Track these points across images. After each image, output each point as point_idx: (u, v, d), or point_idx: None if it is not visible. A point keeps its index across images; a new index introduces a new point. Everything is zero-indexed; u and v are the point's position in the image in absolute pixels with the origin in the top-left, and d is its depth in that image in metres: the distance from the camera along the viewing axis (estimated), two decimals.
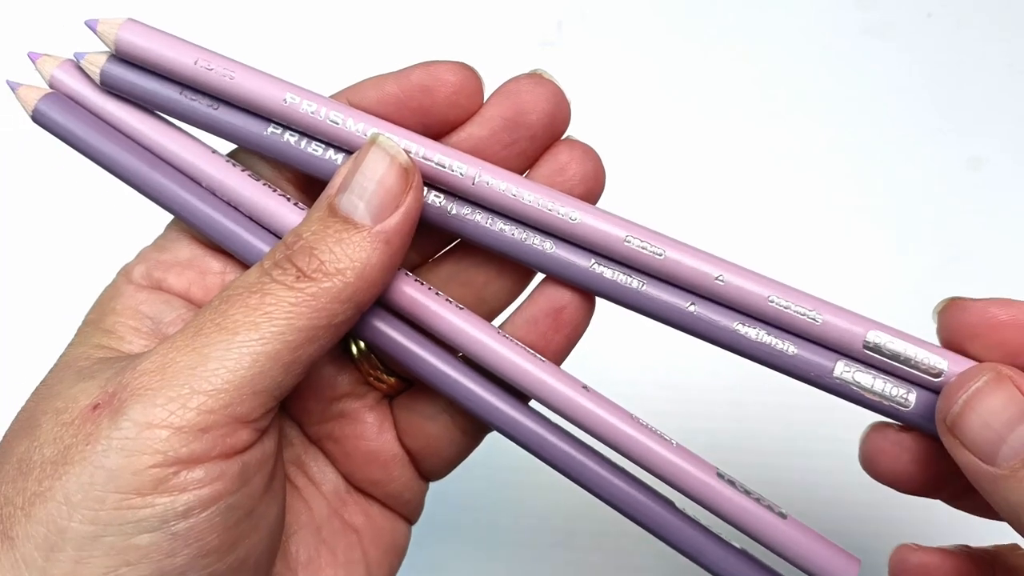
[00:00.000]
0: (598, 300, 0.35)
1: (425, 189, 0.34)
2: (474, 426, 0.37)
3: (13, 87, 0.35)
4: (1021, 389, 0.30)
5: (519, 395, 0.35)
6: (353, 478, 0.38)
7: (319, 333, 0.30)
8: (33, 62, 0.35)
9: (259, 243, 0.34)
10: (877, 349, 0.32)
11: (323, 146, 0.34)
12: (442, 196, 0.34)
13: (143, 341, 0.33)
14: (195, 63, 0.33)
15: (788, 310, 0.33)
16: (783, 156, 0.69)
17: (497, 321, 0.37)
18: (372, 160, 0.32)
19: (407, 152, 0.33)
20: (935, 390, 0.33)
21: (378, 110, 0.34)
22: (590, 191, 0.35)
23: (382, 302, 0.34)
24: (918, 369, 0.32)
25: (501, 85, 0.36)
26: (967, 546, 0.35)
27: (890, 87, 0.71)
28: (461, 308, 0.34)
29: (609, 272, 0.33)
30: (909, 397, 0.32)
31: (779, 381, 0.35)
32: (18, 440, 0.31)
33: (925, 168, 0.68)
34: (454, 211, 0.34)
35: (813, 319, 0.33)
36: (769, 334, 0.33)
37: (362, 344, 0.37)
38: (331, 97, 0.35)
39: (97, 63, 0.34)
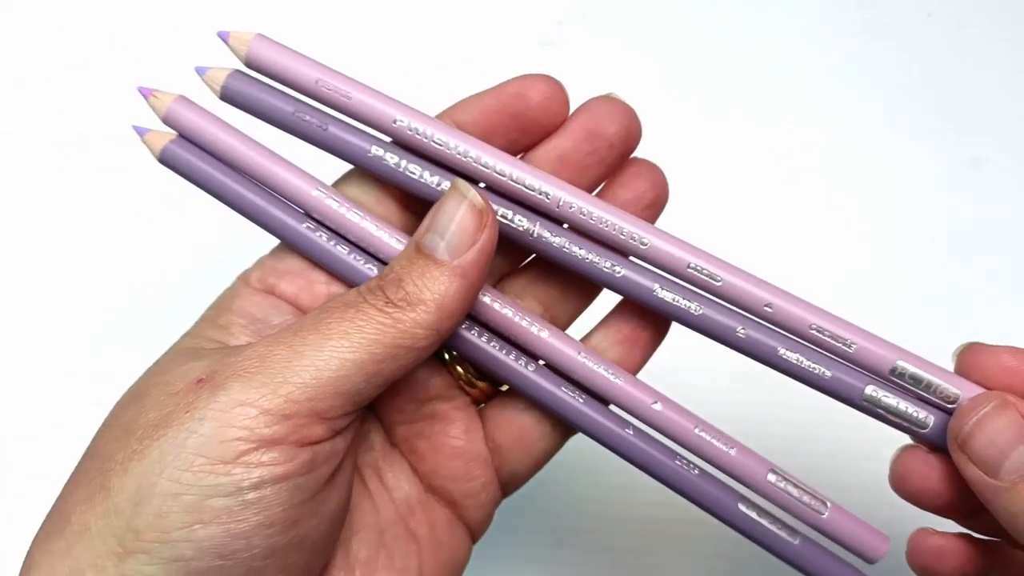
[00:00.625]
0: None
1: (511, 212, 0.39)
2: (559, 428, 0.42)
3: (141, 132, 0.39)
4: (1023, 415, 0.36)
5: (600, 399, 0.40)
6: (437, 475, 0.42)
7: (400, 352, 0.34)
8: (145, 98, 0.39)
9: (359, 267, 0.39)
10: (902, 376, 0.38)
11: (420, 168, 0.38)
12: (526, 219, 0.39)
13: (249, 339, 0.38)
14: (316, 82, 0.38)
15: (826, 337, 0.38)
16: (783, 156, 0.70)
17: (578, 333, 0.42)
18: (451, 202, 0.36)
19: (500, 175, 0.38)
20: (949, 413, 0.38)
21: (479, 119, 0.39)
22: (656, 205, 0.41)
23: (472, 315, 0.39)
24: (936, 395, 0.38)
25: (581, 104, 0.41)
26: (971, 534, 0.40)
27: (890, 87, 0.71)
28: (545, 323, 0.39)
29: (670, 296, 0.38)
30: (928, 420, 0.38)
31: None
32: (127, 407, 0.35)
33: (925, 168, 0.69)
34: (536, 234, 0.39)
35: (847, 346, 0.38)
36: (808, 359, 0.38)
37: (454, 352, 0.42)
38: (436, 117, 0.39)
39: (218, 79, 0.38)
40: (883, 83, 0.72)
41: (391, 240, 0.38)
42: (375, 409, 0.42)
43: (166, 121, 0.39)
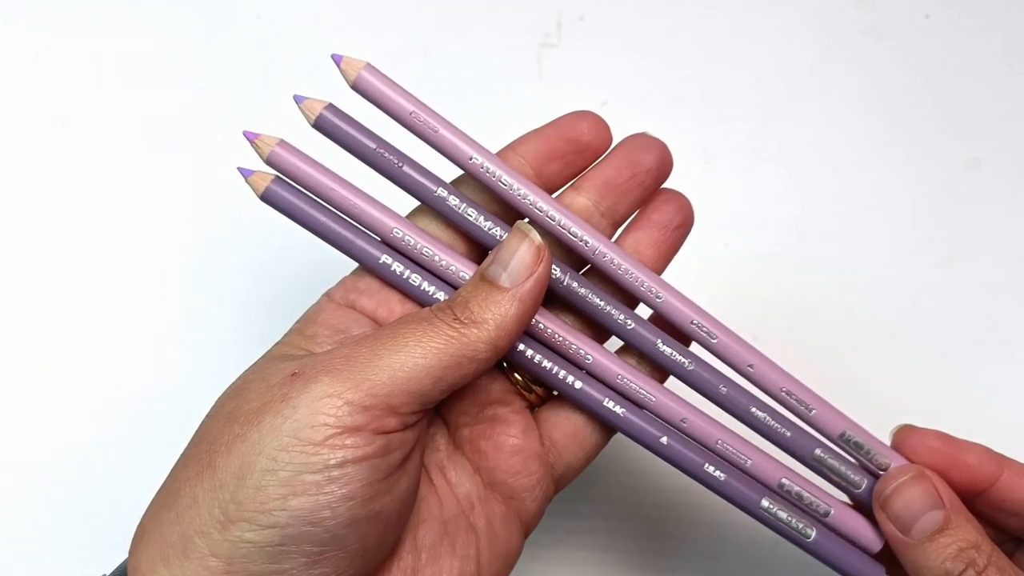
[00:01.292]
0: None
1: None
2: (603, 426, 0.49)
3: (245, 174, 0.45)
4: (935, 487, 0.46)
5: (635, 403, 0.47)
6: (498, 471, 0.47)
7: (464, 363, 0.41)
8: (251, 142, 0.45)
9: (428, 294, 0.46)
10: (848, 441, 0.47)
11: (476, 212, 0.46)
12: (558, 270, 0.46)
13: (332, 348, 0.44)
14: (410, 113, 0.45)
15: (793, 400, 0.46)
16: (782, 156, 0.72)
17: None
18: (514, 239, 0.43)
19: (551, 219, 0.46)
20: (879, 479, 0.47)
21: (541, 145, 0.48)
22: (684, 227, 0.50)
23: (528, 332, 0.46)
24: (872, 461, 0.47)
25: (622, 140, 0.49)
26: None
27: (888, 88, 0.73)
28: (591, 346, 0.47)
29: (668, 351, 0.47)
30: (862, 482, 0.47)
31: None
32: (230, 399, 0.42)
33: (924, 168, 0.71)
34: (565, 281, 0.47)
35: (808, 410, 0.46)
36: (773, 418, 0.47)
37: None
38: (497, 153, 0.47)
39: (314, 109, 0.44)
40: (881, 84, 0.74)
41: (457, 274, 0.46)
42: (442, 414, 0.48)
43: (269, 162, 0.45)
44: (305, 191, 0.45)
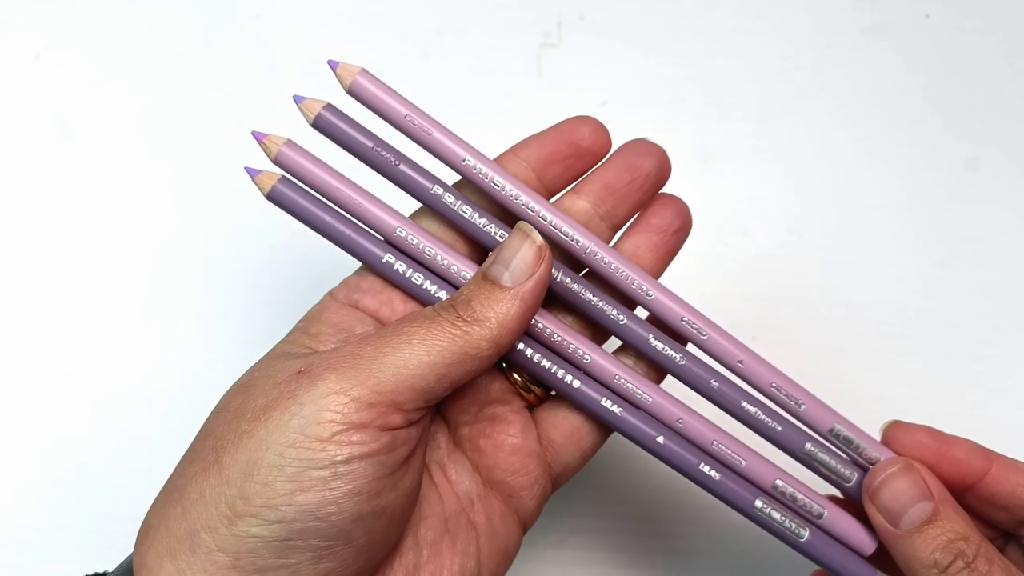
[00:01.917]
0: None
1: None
2: (600, 426, 0.50)
3: (252, 174, 0.46)
4: (923, 478, 0.46)
5: (632, 403, 0.48)
6: (497, 469, 0.48)
7: (467, 360, 0.42)
8: (259, 141, 0.46)
9: (431, 292, 0.47)
10: (838, 436, 0.48)
11: (471, 209, 0.47)
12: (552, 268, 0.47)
13: (336, 346, 0.44)
14: (405, 116, 0.46)
15: (782, 395, 0.47)
16: (782, 156, 0.73)
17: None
18: (515, 239, 0.45)
19: (543, 219, 0.47)
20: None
21: (543, 150, 0.49)
22: (682, 231, 0.51)
23: (528, 333, 0.47)
24: (861, 456, 0.48)
25: (622, 145, 0.50)
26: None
27: (888, 88, 0.74)
28: (589, 346, 0.48)
29: (660, 346, 0.48)
30: (852, 476, 0.48)
31: None
32: (235, 397, 0.42)
33: (924, 168, 0.72)
34: (559, 278, 0.48)
35: (798, 405, 0.47)
36: (764, 413, 0.48)
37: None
38: (499, 156, 0.49)
39: (313, 108, 0.46)
40: (881, 84, 0.74)
41: (459, 273, 0.47)
42: (442, 413, 0.49)
43: (276, 162, 0.46)
44: (310, 191, 0.46)
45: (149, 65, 0.74)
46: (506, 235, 0.47)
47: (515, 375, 0.50)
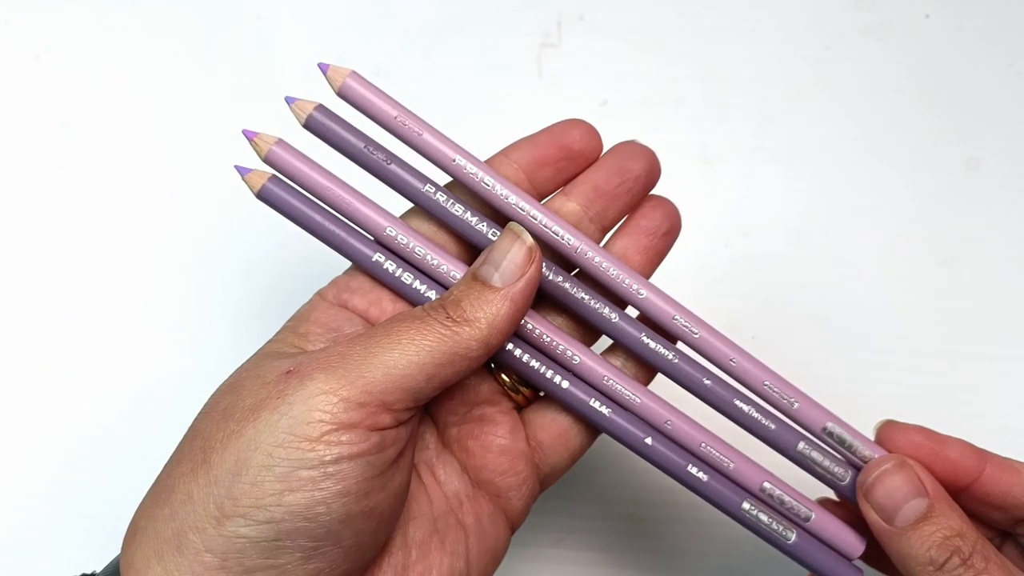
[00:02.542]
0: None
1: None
2: (588, 428, 0.50)
3: (242, 172, 0.47)
4: (918, 475, 0.47)
5: (620, 404, 0.49)
6: (485, 470, 0.48)
7: (456, 360, 0.42)
8: (250, 140, 0.47)
9: (420, 292, 0.47)
10: (831, 435, 0.48)
11: (462, 208, 0.48)
12: (543, 268, 0.48)
13: (325, 346, 0.45)
14: (395, 118, 0.47)
15: (775, 393, 0.48)
16: (782, 156, 0.73)
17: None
18: (506, 240, 0.45)
19: (533, 218, 0.47)
20: None
21: (534, 152, 0.50)
22: (671, 233, 0.51)
23: (517, 334, 0.48)
24: (855, 454, 0.48)
25: (612, 147, 0.51)
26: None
27: (888, 88, 0.74)
28: (578, 347, 0.49)
29: (652, 344, 0.48)
30: (846, 475, 0.49)
31: None
32: (223, 396, 0.43)
33: (924, 168, 0.72)
34: (550, 277, 0.48)
35: (791, 403, 0.48)
36: (758, 412, 0.48)
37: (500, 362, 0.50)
38: (490, 158, 0.50)
39: (305, 109, 0.47)
40: (881, 84, 0.75)
41: (448, 273, 0.47)
42: (431, 413, 0.50)
43: (267, 161, 0.47)
44: (301, 190, 0.47)
45: (149, 65, 0.75)
46: (497, 233, 0.48)
47: (503, 376, 0.50)
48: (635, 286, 0.48)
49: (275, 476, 0.39)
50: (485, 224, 0.48)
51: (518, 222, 0.47)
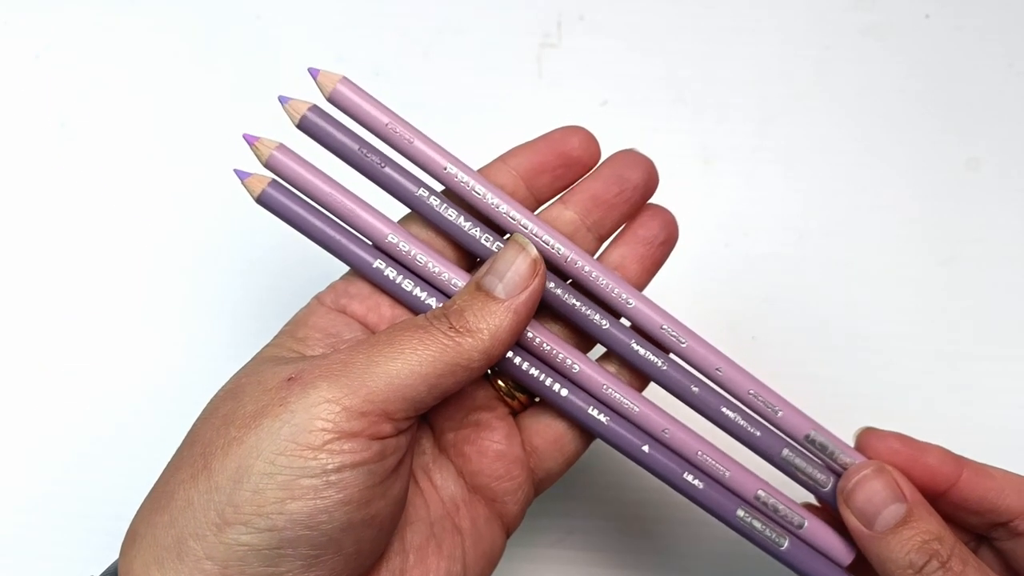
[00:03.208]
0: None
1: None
2: (582, 433, 0.51)
3: (242, 176, 0.47)
4: (896, 481, 0.48)
5: (618, 412, 0.50)
6: (481, 475, 0.49)
7: (457, 371, 0.43)
8: (251, 144, 0.48)
9: (420, 300, 0.48)
10: (813, 442, 0.50)
11: (456, 212, 0.49)
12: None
13: (323, 350, 0.46)
14: (386, 125, 0.48)
15: (759, 401, 0.50)
16: (782, 156, 0.74)
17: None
18: (510, 251, 0.46)
19: (523, 227, 0.49)
20: None
21: (532, 159, 0.50)
22: (668, 243, 0.52)
23: (518, 343, 0.49)
24: (836, 461, 0.50)
25: (610, 156, 0.51)
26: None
27: (888, 88, 0.75)
28: (577, 356, 0.50)
29: (642, 351, 0.50)
30: (827, 481, 0.50)
31: None
32: (223, 402, 0.43)
33: (924, 168, 0.73)
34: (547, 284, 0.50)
35: (775, 412, 0.50)
36: (744, 419, 0.50)
37: (496, 369, 0.51)
38: (488, 164, 0.51)
39: (299, 109, 0.48)
40: (881, 84, 0.76)
41: (449, 281, 0.48)
42: (427, 418, 0.50)
43: (268, 166, 0.47)
44: (301, 195, 0.48)
45: (149, 65, 0.76)
46: (491, 238, 0.49)
47: (499, 382, 0.51)
48: (624, 295, 0.50)
49: (277, 484, 0.40)
50: (478, 229, 0.49)
51: (507, 230, 0.49)
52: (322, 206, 0.48)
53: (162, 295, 0.71)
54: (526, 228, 0.49)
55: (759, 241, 0.72)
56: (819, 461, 0.51)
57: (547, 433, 0.51)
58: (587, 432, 0.51)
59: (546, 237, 0.49)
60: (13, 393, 0.69)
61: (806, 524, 0.50)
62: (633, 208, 0.52)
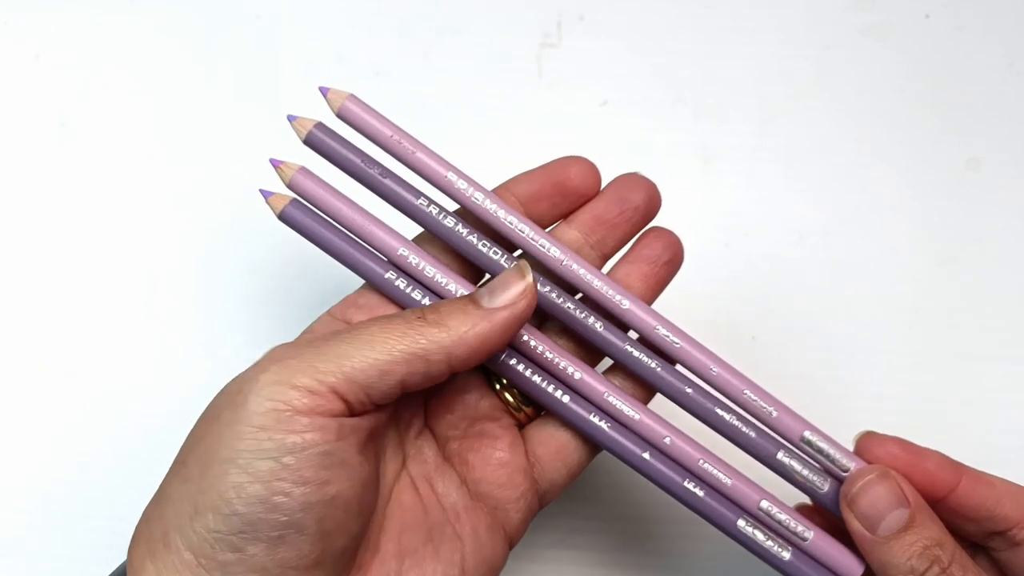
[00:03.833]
0: None
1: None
2: (591, 443, 0.52)
3: (266, 195, 0.50)
4: (900, 486, 0.49)
5: (619, 421, 0.51)
6: (484, 483, 0.51)
7: (413, 360, 0.44)
8: (275, 167, 0.50)
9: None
10: (810, 444, 0.51)
11: (454, 221, 0.51)
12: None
13: None
14: (390, 137, 0.50)
15: (755, 403, 0.51)
16: (782, 156, 0.74)
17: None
18: (510, 275, 0.48)
19: (521, 231, 0.51)
20: (841, 481, 0.51)
21: (530, 187, 0.53)
22: (673, 263, 0.54)
23: (520, 351, 0.51)
24: (834, 464, 0.51)
25: (614, 178, 0.53)
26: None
27: (888, 88, 0.76)
28: (579, 365, 0.52)
29: (636, 353, 0.51)
30: (824, 484, 0.51)
31: None
32: (210, 402, 0.45)
33: (924, 168, 0.74)
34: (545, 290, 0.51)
35: (770, 413, 0.51)
36: (738, 420, 0.51)
37: (504, 381, 0.53)
38: (493, 189, 0.52)
39: (305, 126, 0.50)
40: (881, 84, 0.76)
41: (456, 293, 0.50)
42: (432, 428, 0.52)
43: (290, 186, 0.50)
44: (319, 212, 0.51)
45: (149, 65, 0.77)
46: (493, 249, 0.51)
47: (507, 395, 0.53)
48: (617, 297, 0.51)
49: (237, 468, 0.41)
50: (475, 237, 0.51)
51: (504, 235, 0.51)
52: (338, 222, 0.51)
53: (162, 295, 0.71)
54: (523, 232, 0.51)
55: (759, 241, 0.73)
56: (815, 464, 0.52)
57: (551, 443, 0.52)
58: (590, 442, 0.52)
59: (542, 241, 0.51)
60: (13, 393, 0.69)
61: (812, 536, 0.51)
62: (635, 228, 0.54)
